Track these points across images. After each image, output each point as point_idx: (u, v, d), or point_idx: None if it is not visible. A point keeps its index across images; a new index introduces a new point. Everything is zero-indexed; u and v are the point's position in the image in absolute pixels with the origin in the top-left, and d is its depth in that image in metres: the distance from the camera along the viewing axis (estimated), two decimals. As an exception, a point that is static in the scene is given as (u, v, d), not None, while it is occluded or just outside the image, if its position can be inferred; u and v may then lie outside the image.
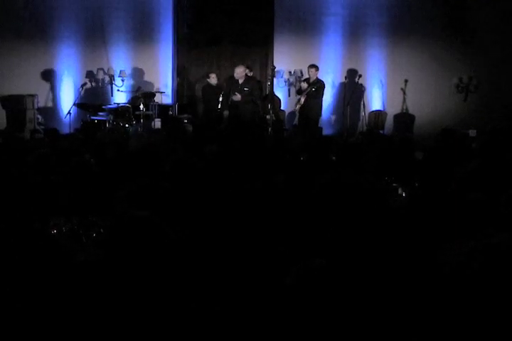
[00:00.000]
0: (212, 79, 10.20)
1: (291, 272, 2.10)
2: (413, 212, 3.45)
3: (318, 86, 9.76)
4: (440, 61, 10.77)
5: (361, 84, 10.24)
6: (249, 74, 10.01)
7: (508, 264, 1.78)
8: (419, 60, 10.81)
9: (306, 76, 10.21)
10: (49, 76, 10.85)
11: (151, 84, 10.96)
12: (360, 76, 10.16)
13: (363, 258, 2.56)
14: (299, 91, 10.00)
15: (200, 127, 9.53)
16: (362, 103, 10.29)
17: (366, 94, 10.53)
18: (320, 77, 10.14)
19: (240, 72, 9.65)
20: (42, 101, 10.67)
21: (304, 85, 9.82)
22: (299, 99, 9.82)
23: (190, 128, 5.51)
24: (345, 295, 2.03)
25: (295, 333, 2.01)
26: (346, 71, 10.82)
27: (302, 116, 9.91)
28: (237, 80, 9.70)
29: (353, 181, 3.21)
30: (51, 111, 10.80)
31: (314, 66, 9.91)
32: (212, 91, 10.10)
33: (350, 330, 1.98)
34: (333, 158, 5.60)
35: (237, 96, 9.58)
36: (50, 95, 10.88)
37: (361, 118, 10.42)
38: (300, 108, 9.82)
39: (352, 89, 10.30)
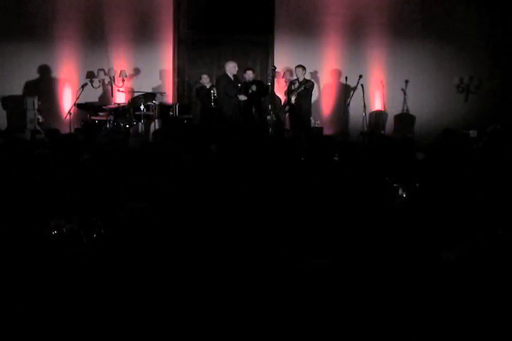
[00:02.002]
0: (204, 80, 10.24)
1: (293, 272, 2.10)
2: (414, 212, 3.45)
3: (309, 85, 9.81)
4: (440, 61, 10.75)
5: (362, 85, 10.21)
6: (251, 76, 10.04)
7: (508, 264, 1.78)
8: (420, 60, 10.79)
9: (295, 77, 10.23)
10: (50, 76, 10.85)
11: (152, 85, 10.95)
12: (360, 76, 10.15)
13: (363, 258, 2.56)
14: (288, 92, 10.03)
15: (200, 127, 9.53)
16: (362, 103, 10.27)
17: (367, 94, 10.50)
18: (320, 78, 10.05)
19: (232, 67, 9.71)
20: (42, 101, 10.67)
21: (296, 85, 9.87)
22: (290, 99, 9.86)
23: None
24: (346, 295, 2.03)
25: (295, 333, 2.01)
26: (347, 71, 10.81)
27: (294, 116, 9.95)
28: (230, 77, 9.73)
29: (354, 181, 3.21)
30: (52, 112, 10.79)
31: (301, 66, 9.98)
32: (205, 91, 10.13)
33: (351, 329, 1.98)
34: (335, 158, 5.60)
35: (243, 97, 9.63)
36: (51, 95, 10.88)
37: (362, 118, 10.40)
38: (290, 108, 9.87)
39: (352, 90, 10.28)
